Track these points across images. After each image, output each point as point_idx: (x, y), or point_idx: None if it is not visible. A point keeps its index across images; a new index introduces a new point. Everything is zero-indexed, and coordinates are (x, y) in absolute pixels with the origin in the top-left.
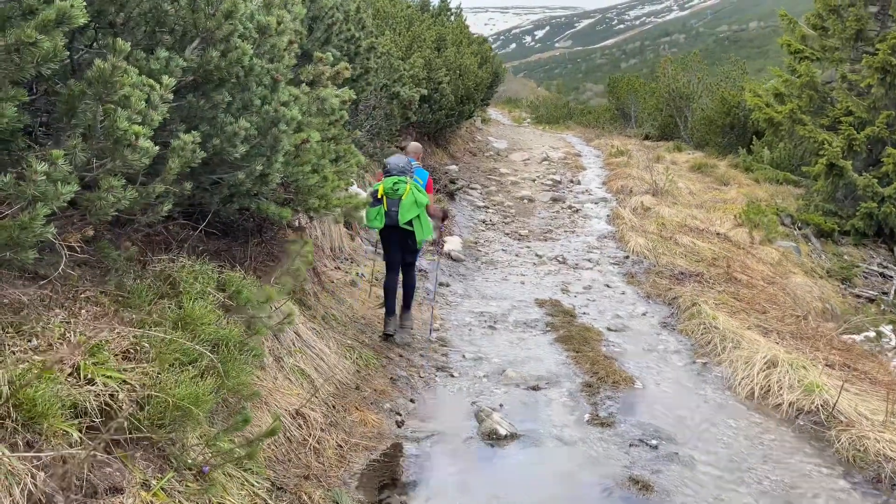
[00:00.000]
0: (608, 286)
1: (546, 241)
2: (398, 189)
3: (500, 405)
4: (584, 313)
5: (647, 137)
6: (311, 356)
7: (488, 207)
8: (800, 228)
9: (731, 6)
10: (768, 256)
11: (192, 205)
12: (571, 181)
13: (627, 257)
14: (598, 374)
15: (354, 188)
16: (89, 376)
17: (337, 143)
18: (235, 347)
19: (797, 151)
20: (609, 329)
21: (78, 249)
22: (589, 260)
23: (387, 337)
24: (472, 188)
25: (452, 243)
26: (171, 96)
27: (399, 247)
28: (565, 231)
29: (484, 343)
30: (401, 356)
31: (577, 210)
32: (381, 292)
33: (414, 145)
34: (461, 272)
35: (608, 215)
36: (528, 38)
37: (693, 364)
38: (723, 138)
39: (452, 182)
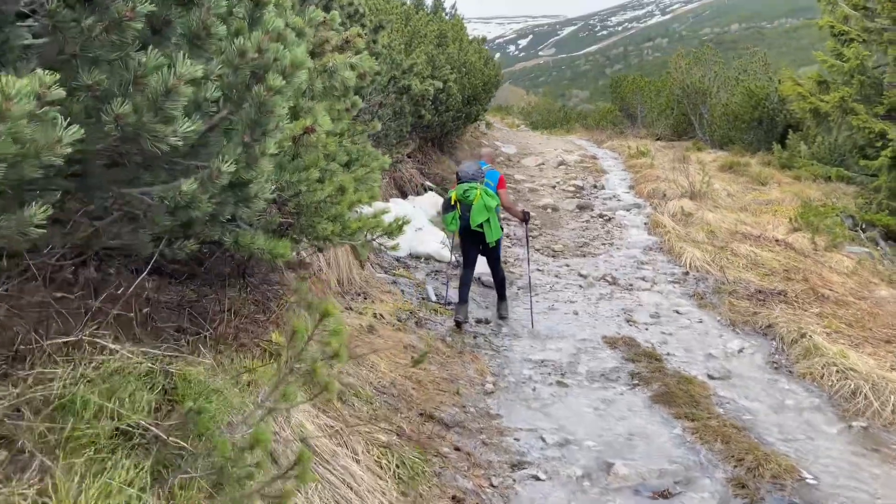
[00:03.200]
0: (678, 312)
1: (585, 256)
2: (469, 195)
3: None
4: (669, 354)
5: (658, 138)
6: (329, 481)
7: (509, 219)
8: (864, 230)
9: (712, 10)
10: (840, 265)
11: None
12: (595, 186)
13: (687, 273)
14: (744, 462)
15: (389, 204)
16: None
17: (352, 139)
18: None
19: (841, 145)
20: (711, 377)
21: None
22: (643, 279)
23: (457, 325)
24: None
25: (479, 264)
26: None
27: (476, 247)
28: (603, 244)
29: (560, 411)
30: (457, 448)
31: (610, 219)
32: (408, 339)
33: (486, 150)
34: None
35: (646, 223)
36: (512, 48)
37: (850, 429)
38: (748, 134)
39: None
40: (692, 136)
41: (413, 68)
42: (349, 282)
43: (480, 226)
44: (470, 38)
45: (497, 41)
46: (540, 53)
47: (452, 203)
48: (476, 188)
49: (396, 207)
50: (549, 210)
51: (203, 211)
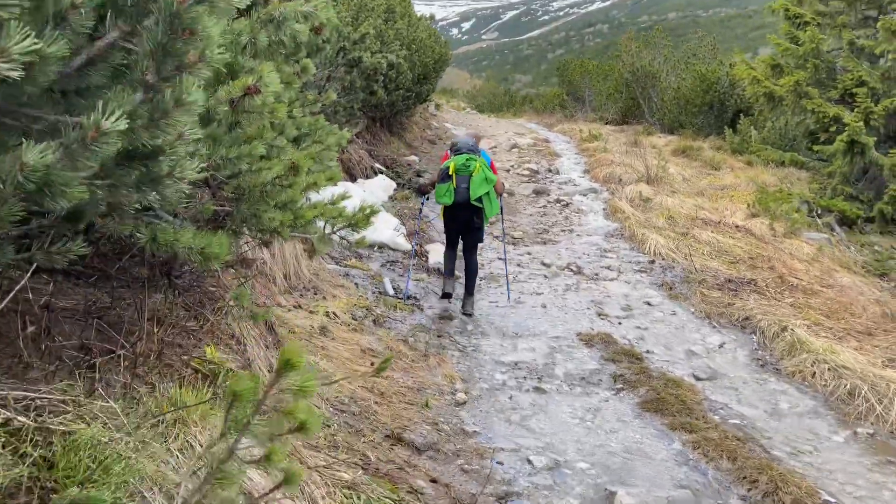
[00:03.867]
0: (649, 304)
1: (546, 244)
2: (469, 166)
3: None
4: (649, 352)
5: (607, 122)
6: None
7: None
8: (819, 216)
9: None
10: (800, 252)
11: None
12: (549, 170)
13: (652, 262)
14: (758, 484)
15: (340, 188)
16: None
17: (303, 111)
18: None
19: (792, 130)
20: (697, 378)
21: None
22: (608, 268)
23: (446, 296)
24: None
25: (436, 253)
26: None
27: (463, 224)
28: (563, 230)
29: (543, 424)
30: (433, 480)
31: (567, 204)
32: (366, 341)
33: (471, 131)
34: (460, 294)
35: (604, 209)
36: (455, 31)
37: (855, 437)
38: (699, 119)
39: (419, 175)
40: (641, 121)
41: (364, 39)
42: (297, 276)
43: (479, 199)
44: (418, 15)
45: (440, 24)
46: (483, 37)
47: (450, 173)
48: (476, 159)
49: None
50: (505, 195)
51: (74, 198)
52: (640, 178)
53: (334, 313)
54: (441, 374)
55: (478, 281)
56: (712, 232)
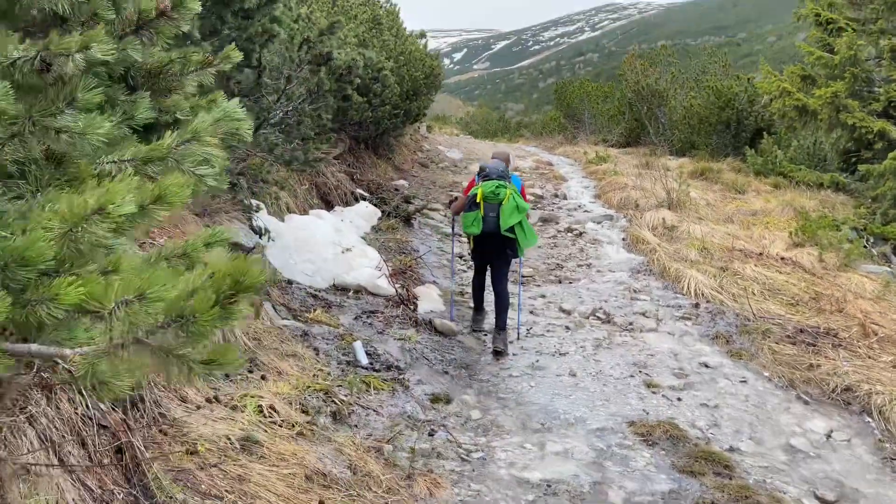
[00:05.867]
0: (707, 366)
1: (561, 283)
2: (499, 193)
3: None
4: (733, 450)
5: (611, 145)
6: None
7: (461, 235)
8: (872, 245)
9: (638, 27)
10: (861, 288)
11: None
12: (556, 195)
13: (697, 306)
14: None
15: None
16: None
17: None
18: None
19: (821, 148)
20: (822, 500)
21: None
22: (644, 314)
23: (474, 332)
24: (432, 209)
25: (428, 299)
26: None
27: (494, 254)
28: (580, 265)
29: None
30: None
31: (581, 233)
32: (315, 457)
33: (502, 152)
34: (460, 359)
35: (624, 239)
36: (447, 61)
37: None
38: (713, 139)
39: (407, 202)
40: (647, 142)
41: (334, 29)
42: (227, 342)
43: (511, 230)
44: (407, 31)
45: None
46: (474, 67)
47: (477, 201)
48: (506, 187)
49: (320, 223)
50: None
51: None
52: (661, 204)
53: (272, 407)
54: None
55: (482, 338)
56: (755, 265)
